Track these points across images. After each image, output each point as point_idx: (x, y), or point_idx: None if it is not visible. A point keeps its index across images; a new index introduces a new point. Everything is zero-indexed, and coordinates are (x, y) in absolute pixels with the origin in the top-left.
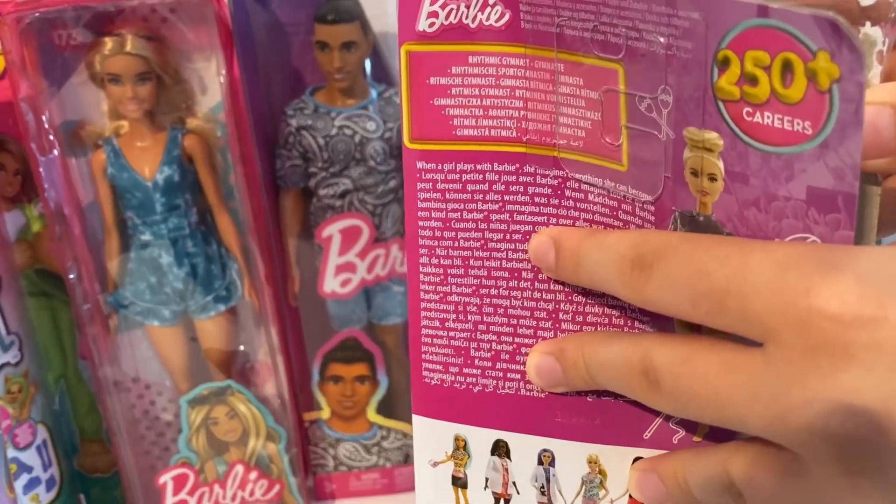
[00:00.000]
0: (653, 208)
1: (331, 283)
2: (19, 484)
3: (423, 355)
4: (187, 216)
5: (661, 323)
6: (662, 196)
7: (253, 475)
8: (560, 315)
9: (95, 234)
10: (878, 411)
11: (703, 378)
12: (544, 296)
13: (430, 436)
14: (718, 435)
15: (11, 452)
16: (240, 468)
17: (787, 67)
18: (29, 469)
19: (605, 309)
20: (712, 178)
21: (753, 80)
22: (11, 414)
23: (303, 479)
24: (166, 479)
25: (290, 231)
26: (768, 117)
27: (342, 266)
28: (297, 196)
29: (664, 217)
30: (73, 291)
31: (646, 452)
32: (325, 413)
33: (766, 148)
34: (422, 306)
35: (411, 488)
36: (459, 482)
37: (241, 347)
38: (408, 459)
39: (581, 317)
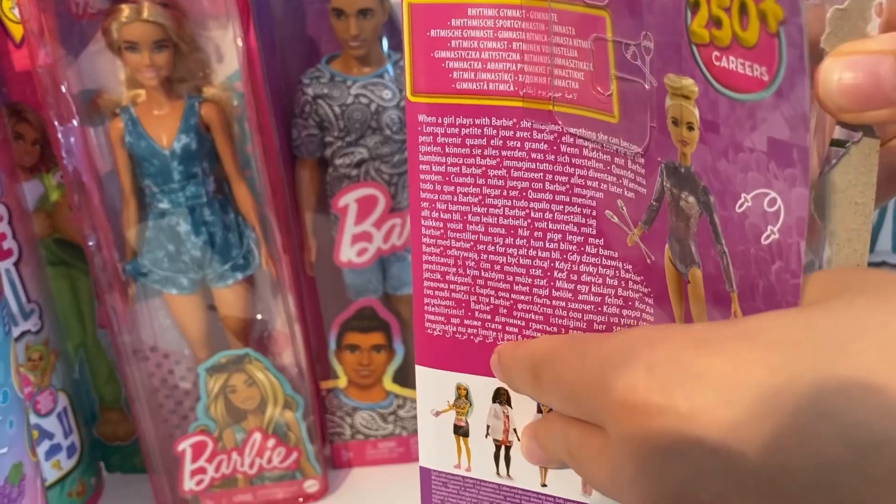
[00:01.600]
0: (642, 160)
1: (347, 253)
2: (41, 450)
3: (425, 307)
4: (205, 185)
5: (655, 282)
6: (650, 147)
7: (271, 443)
8: (555, 273)
9: (114, 203)
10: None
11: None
12: (539, 254)
13: (432, 385)
14: None
15: (33, 419)
16: (258, 436)
17: (742, 9)
18: (50, 436)
19: (599, 269)
20: (690, 127)
21: (718, 23)
22: (33, 381)
23: (320, 447)
24: (185, 446)
25: (307, 201)
26: (732, 62)
27: (358, 235)
28: (313, 166)
29: (653, 169)
30: (92, 259)
31: None
32: (342, 382)
33: (732, 94)
34: (423, 259)
35: None
36: (461, 431)
37: (259, 316)
38: None
39: (575, 276)
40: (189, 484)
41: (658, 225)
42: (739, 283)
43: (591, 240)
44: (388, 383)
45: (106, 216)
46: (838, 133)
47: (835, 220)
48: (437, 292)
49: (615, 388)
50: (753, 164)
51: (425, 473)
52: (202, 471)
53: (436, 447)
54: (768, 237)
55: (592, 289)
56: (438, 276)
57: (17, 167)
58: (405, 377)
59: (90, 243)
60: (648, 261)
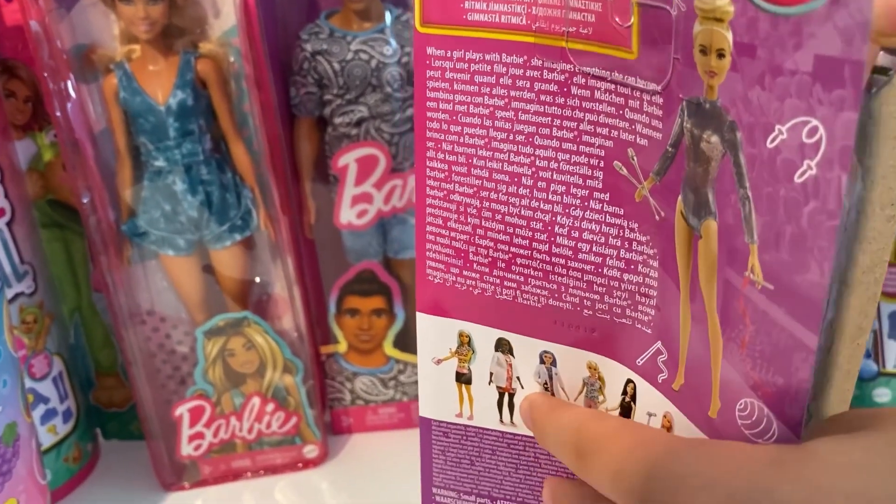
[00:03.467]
0: (661, 100)
1: (347, 215)
2: (36, 414)
3: (427, 253)
4: (201, 142)
5: (662, 242)
6: (671, 83)
7: (270, 407)
8: (556, 228)
9: (108, 163)
10: None
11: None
12: (541, 206)
13: (433, 333)
14: (691, 388)
15: (28, 383)
16: (256, 400)
17: None
18: (45, 400)
19: (602, 227)
20: (721, 55)
21: None
22: (27, 344)
23: (320, 412)
24: (182, 410)
25: (306, 161)
26: None
27: (358, 197)
28: (311, 125)
29: (672, 109)
30: (87, 220)
31: (636, 378)
32: (342, 346)
33: (776, 9)
34: (427, 202)
35: None
36: (463, 378)
37: (257, 279)
38: None
39: (577, 232)
40: (187, 449)
41: (672, 175)
42: (762, 233)
43: (595, 194)
44: (388, 348)
45: (100, 175)
46: (882, 60)
47: (871, 154)
48: (438, 238)
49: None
50: (794, 89)
51: (425, 423)
52: (200, 436)
53: (436, 396)
54: (804, 174)
55: (593, 248)
56: (440, 222)
57: (9, 125)
58: (406, 342)
59: (84, 202)
60: (657, 217)
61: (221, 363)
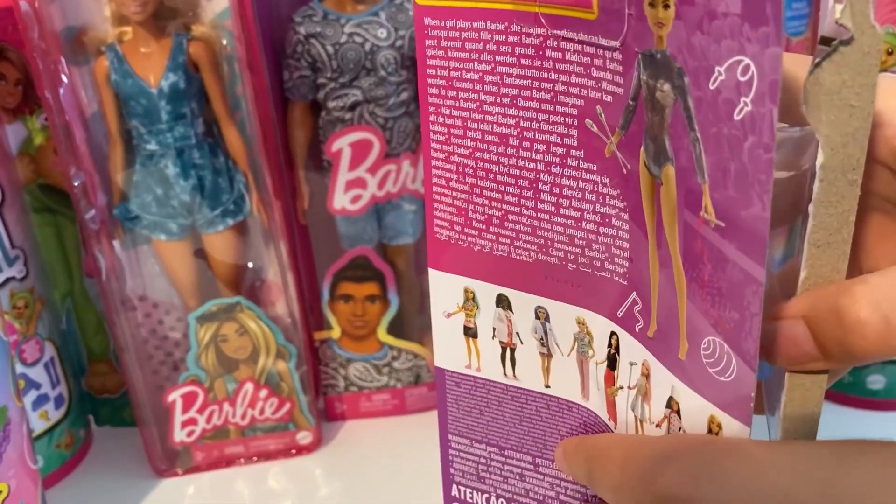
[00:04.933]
0: (620, 56)
1: (341, 200)
2: (28, 400)
3: (434, 211)
4: (193, 126)
5: (631, 195)
6: (626, 38)
7: (263, 393)
8: (540, 185)
9: (100, 146)
10: None
11: None
12: (527, 164)
13: (442, 288)
14: (663, 332)
15: (19, 368)
16: (249, 386)
17: None
18: (37, 385)
19: (579, 183)
20: (666, 5)
21: None
22: (18, 329)
23: (313, 399)
24: (175, 396)
25: (299, 146)
26: None
27: (352, 182)
28: (305, 109)
29: (630, 63)
30: (78, 204)
31: (618, 330)
32: (336, 333)
33: None
34: (432, 164)
35: (422, 409)
36: (470, 332)
37: (250, 264)
38: (418, 380)
39: (557, 189)
40: (179, 435)
41: (634, 127)
42: (711, 171)
43: (572, 151)
44: (382, 334)
45: (92, 159)
46: (828, 31)
47: (828, 123)
48: (442, 198)
49: (656, 483)
50: (727, 31)
51: (440, 373)
52: (193, 422)
53: (448, 348)
54: (741, 111)
55: (572, 203)
56: (443, 182)
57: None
58: (400, 328)
59: (76, 186)
60: (625, 170)
61: (214, 349)
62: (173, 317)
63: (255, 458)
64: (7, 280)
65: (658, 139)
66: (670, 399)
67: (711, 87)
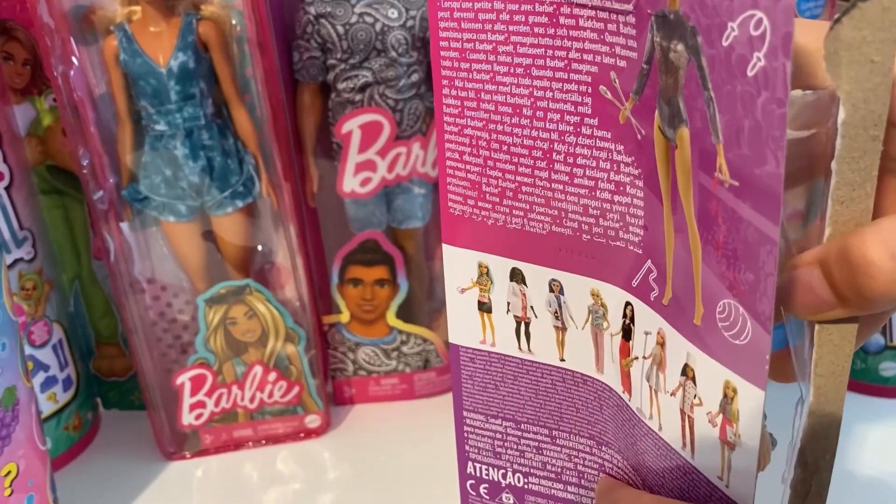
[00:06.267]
0: (633, 20)
1: (350, 183)
2: (36, 381)
3: (447, 185)
4: (203, 106)
5: (645, 161)
6: (639, 0)
7: (272, 376)
8: (554, 155)
9: (109, 127)
10: None
11: None
12: (540, 134)
13: (456, 264)
14: (678, 299)
15: (28, 350)
16: (258, 369)
17: None
18: (45, 367)
19: (593, 151)
20: None
21: None
22: (27, 311)
23: (322, 382)
24: (183, 379)
25: (309, 128)
26: None
27: (362, 164)
28: (315, 91)
29: (643, 27)
30: (87, 185)
31: (633, 300)
32: (345, 317)
33: None
34: (445, 137)
35: (430, 394)
36: (485, 307)
37: (260, 248)
38: (427, 365)
39: (572, 158)
40: (188, 418)
41: (648, 91)
42: (725, 131)
43: (586, 119)
44: (391, 318)
45: (101, 140)
46: None
47: (849, 79)
48: (456, 172)
49: None
50: None
51: (454, 349)
52: (201, 405)
53: (462, 324)
54: (754, 66)
55: (587, 172)
56: (457, 156)
57: (7, 89)
58: (409, 313)
59: (84, 167)
60: (639, 136)
61: (223, 331)
62: (182, 299)
63: (263, 442)
64: (16, 261)
65: (672, 101)
66: (685, 366)
67: (724, 44)
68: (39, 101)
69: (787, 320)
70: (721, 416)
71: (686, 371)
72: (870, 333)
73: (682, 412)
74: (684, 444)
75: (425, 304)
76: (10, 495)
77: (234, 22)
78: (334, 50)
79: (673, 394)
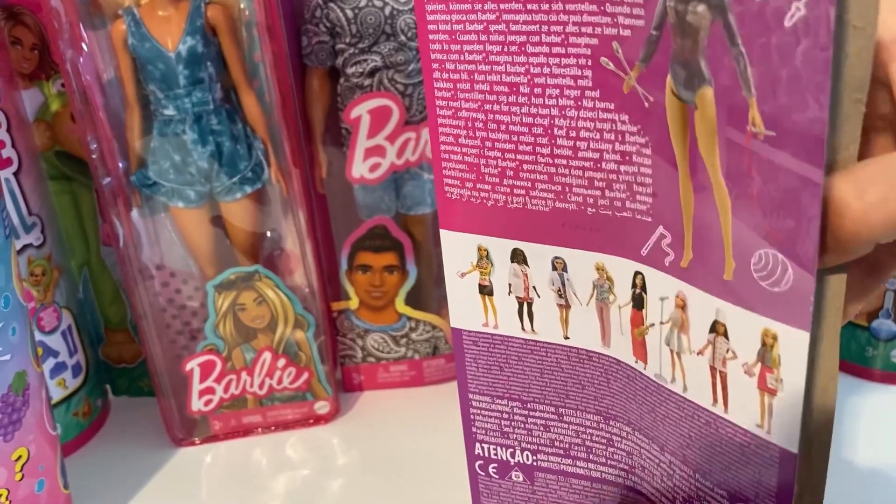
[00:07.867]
0: None
1: (359, 168)
2: (46, 367)
3: (443, 171)
4: (211, 91)
5: (654, 128)
6: None
7: (281, 363)
8: (555, 131)
9: (117, 111)
10: None
11: None
12: (540, 111)
13: (455, 249)
14: (702, 259)
15: (37, 336)
16: (267, 355)
17: None
18: (55, 353)
19: (596, 124)
20: None
21: None
22: (36, 297)
23: (331, 368)
24: (193, 365)
25: (317, 114)
26: None
27: (371, 150)
28: (324, 76)
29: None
30: (96, 171)
31: (644, 268)
32: (354, 303)
33: None
34: (438, 122)
35: (440, 380)
36: (486, 290)
37: (269, 234)
38: (436, 351)
39: (574, 132)
40: (197, 404)
41: (658, 58)
42: (759, 84)
43: (587, 92)
44: (400, 305)
45: (109, 125)
46: None
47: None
48: (452, 156)
49: None
50: None
51: (457, 334)
52: (211, 391)
53: (464, 307)
54: (793, 16)
55: (591, 144)
56: (452, 140)
57: (15, 74)
58: (418, 299)
59: (93, 152)
60: (646, 104)
61: (232, 317)
62: (191, 286)
63: (272, 428)
64: (25, 247)
65: (690, 63)
66: (715, 323)
67: (757, 0)
68: (47, 87)
69: None
70: (759, 364)
71: (716, 328)
72: (870, 291)
73: (713, 369)
74: (715, 400)
75: (434, 291)
76: (20, 480)
77: (242, 6)
78: (343, 34)
79: (701, 352)
